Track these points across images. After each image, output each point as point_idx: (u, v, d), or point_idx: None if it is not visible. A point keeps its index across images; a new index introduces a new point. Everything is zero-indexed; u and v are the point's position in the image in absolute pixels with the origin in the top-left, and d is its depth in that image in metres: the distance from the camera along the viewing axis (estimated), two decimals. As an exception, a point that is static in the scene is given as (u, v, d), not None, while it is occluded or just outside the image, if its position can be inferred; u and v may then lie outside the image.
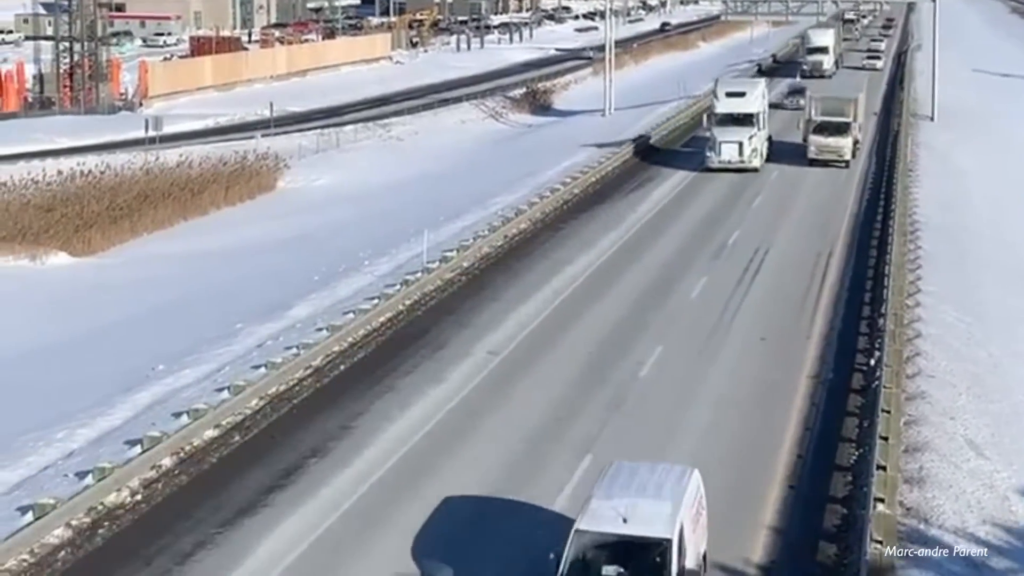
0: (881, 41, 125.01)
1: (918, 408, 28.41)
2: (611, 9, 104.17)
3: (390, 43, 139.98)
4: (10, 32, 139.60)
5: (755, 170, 59.22)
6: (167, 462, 25.84)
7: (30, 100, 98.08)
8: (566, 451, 26.70)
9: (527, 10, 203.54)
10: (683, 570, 19.07)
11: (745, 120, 59.77)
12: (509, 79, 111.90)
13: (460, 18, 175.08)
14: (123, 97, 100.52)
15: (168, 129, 79.10)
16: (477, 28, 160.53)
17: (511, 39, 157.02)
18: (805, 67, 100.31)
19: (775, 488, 25.01)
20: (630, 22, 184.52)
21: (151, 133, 75.90)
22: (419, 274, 39.40)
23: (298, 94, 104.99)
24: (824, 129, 61.89)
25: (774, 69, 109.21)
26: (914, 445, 26.32)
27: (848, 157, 61.50)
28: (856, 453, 26.47)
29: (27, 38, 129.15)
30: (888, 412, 26.76)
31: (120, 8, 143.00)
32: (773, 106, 70.43)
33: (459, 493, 24.70)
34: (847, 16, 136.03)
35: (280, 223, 58.74)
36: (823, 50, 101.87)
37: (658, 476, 20.48)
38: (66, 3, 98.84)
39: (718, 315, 36.94)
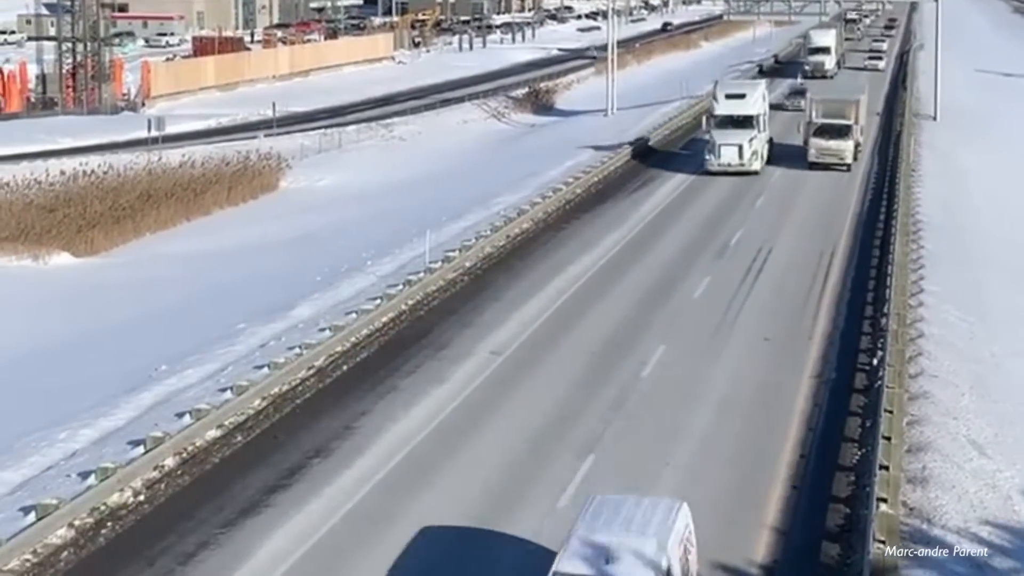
0: (883, 41, 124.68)
1: (921, 408, 28.39)
2: (613, 9, 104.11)
3: (392, 43, 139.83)
4: (13, 32, 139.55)
5: (755, 173, 59.11)
6: (170, 462, 25.86)
7: (33, 100, 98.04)
8: (569, 451, 26.71)
9: (529, 10, 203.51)
10: None
11: (745, 122, 59.34)
12: (511, 79, 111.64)
13: (462, 18, 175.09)
14: (126, 97, 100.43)
15: (171, 129, 79.03)
16: (479, 28, 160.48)
17: (513, 39, 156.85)
18: (807, 67, 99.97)
19: (778, 488, 25.02)
20: (632, 22, 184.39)
21: (154, 133, 75.85)
22: (421, 274, 39.40)
23: (300, 94, 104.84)
24: (825, 132, 61.15)
25: (776, 69, 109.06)
26: (917, 445, 26.31)
27: (849, 160, 60.92)
28: (859, 453, 26.49)
29: (30, 38, 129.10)
30: (891, 412, 26.74)
31: (123, 8, 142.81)
32: (774, 107, 70.22)
33: (461, 493, 24.69)
34: (849, 16, 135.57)
35: (282, 223, 58.66)
36: (825, 50, 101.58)
37: (644, 511, 19.03)
38: (69, 3, 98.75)
39: (721, 315, 36.94)
